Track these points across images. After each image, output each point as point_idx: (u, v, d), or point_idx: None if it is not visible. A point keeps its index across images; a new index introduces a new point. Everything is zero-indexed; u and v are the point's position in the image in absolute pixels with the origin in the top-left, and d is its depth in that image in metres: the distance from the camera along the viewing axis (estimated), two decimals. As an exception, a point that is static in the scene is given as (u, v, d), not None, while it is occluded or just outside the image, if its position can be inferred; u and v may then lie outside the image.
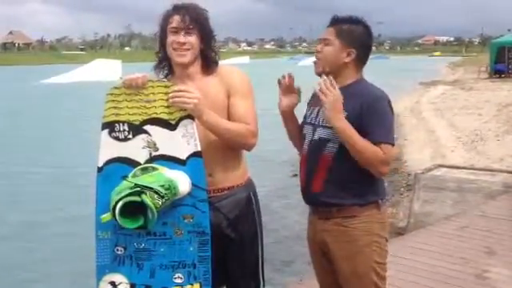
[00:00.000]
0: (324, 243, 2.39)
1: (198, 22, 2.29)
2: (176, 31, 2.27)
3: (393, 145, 2.25)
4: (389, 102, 2.28)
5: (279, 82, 2.45)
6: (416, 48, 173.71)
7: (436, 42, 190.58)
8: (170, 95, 2.18)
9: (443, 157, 9.79)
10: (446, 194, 7.17)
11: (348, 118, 2.21)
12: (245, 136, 2.28)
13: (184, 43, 2.27)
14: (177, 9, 2.30)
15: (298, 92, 2.46)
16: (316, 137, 2.34)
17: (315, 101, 2.37)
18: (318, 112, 2.36)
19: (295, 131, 2.52)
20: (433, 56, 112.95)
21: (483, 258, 4.36)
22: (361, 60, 2.35)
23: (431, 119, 15.06)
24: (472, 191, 7.19)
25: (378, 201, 2.32)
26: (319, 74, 2.33)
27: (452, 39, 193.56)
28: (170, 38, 2.28)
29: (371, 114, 2.21)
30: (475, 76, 31.80)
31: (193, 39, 2.28)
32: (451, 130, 13.10)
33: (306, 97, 2.48)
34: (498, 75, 29.80)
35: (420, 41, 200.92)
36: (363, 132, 2.20)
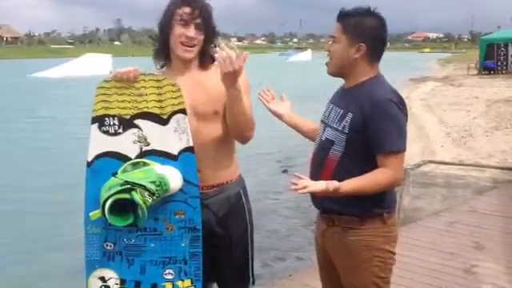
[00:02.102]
0: (325, 249, 2.32)
1: (206, 18, 2.24)
2: (185, 24, 2.20)
3: (402, 151, 2.09)
4: (396, 102, 2.09)
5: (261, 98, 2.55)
6: (406, 44, 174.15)
7: (426, 39, 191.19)
8: (219, 59, 2.06)
9: (432, 152, 9.84)
10: (435, 189, 7.22)
11: (353, 123, 2.10)
12: (249, 125, 2.25)
13: (193, 38, 2.21)
14: (189, 1, 2.21)
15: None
16: (324, 137, 2.24)
17: (332, 98, 2.31)
18: (330, 110, 2.25)
19: (306, 134, 2.50)
20: (422, 52, 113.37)
21: (472, 253, 4.40)
22: (374, 54, 2.17)
23: (421, 115, 15.12)
24: (461, 187, 7.26)
25: (383, 213, 2.17)
26: (331, 75, 2.24)
27: (442, 36, 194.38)
28: (179, 30, 2.20)
29: (373, 120, 2.06)
30: (465, 72, 31.98)
31: (201, 36, 2.23)
32: (441, 125, 13.18)
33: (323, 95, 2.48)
34: (487, 72, 30.01)
35: (410, 37, 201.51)
36: (369, 139, 2.07)
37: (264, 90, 2.59)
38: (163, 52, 2.30)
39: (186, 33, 2.20)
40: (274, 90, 2.63)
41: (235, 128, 2.24)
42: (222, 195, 2.35)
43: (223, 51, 2.06)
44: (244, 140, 2.32)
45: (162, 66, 2.34)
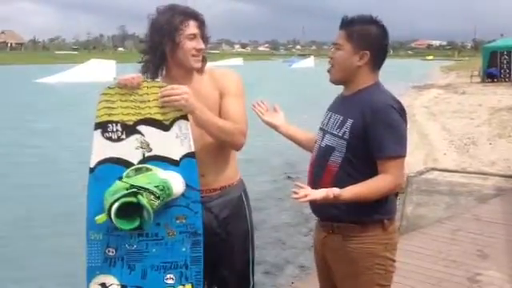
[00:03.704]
0: (325, 257, 2.31)
1: (204, 27, 2.32)
2: (194, 37, 2.27)
3: (402, 156, 2.10)
4: (397, 109, 2.12)
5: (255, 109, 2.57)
6: (409, 52, 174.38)
7: (429, 46, 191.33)
8: (159, 95, 2.17)
9: (436, 160, 9.83)
10: (438, 197, 7.19)
11: (353, 129, 2.11)
12: (234, 134, 2.26)
13: (202, 49, 2.30)
14: (192, 15, 2.28)
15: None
16: (323, 143, 2.24)
17: (331, 105, 2.33)
18: (329, 118, 2.26)
19: (303, 144, 2.51)
20: (425, 60, 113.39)
21: (475, 261, 4.38)
22: (376, 62, 2.20)
23: (424, 123, 15.12)
24: (464, 194, 7.22)
25: (383, 220, 2.16)
26: (334, 83, 2.25)
27: (445, 43, 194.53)
28: (189, 45, 2.25)
29: (374, 125, 2.08)
30: (468, 80, 31.96)
31: (204, 45, 2.32)
32: (444, 133, 13.17)
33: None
34: (490, 79, 30.00)
35: (413, 44, 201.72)
36: (370, 145, 2.09)
37: (258, 102, 2.61)
38: (161, 65, 2.32)
39: (196, 46, 2.27)
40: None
41: (218, 140, 2.28)
42: (224, 198, 2.37)
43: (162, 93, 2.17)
44: (235, 147, 2.35)
45: (154, 78, 2.32)
